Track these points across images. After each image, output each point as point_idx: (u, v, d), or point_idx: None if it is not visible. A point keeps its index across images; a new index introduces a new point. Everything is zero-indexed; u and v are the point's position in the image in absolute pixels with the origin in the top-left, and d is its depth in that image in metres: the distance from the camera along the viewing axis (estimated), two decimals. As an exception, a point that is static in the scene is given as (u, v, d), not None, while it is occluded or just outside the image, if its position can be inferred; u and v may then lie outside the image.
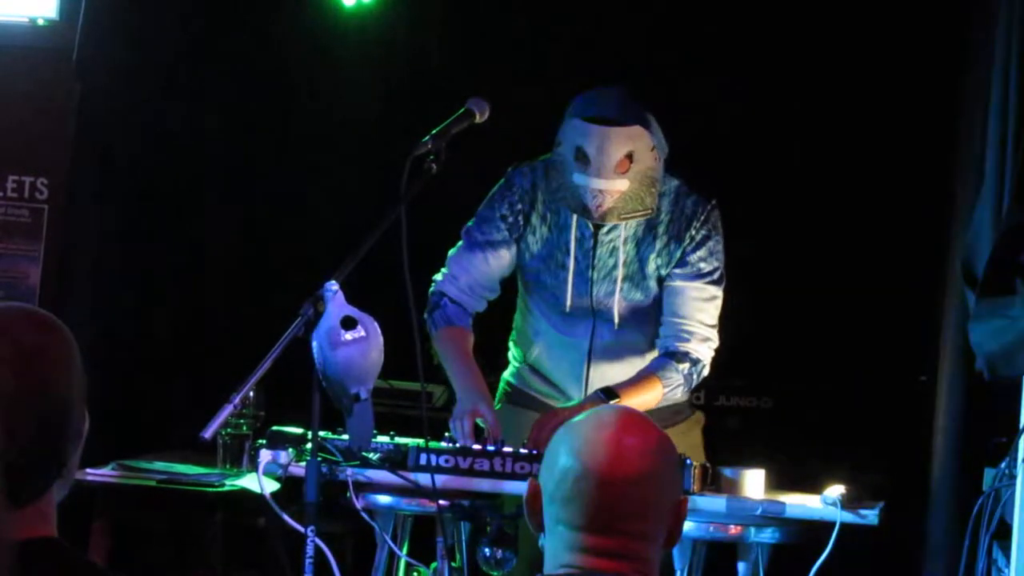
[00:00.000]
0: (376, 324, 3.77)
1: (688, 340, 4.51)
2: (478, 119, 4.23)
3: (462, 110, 4.20)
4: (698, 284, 4.53)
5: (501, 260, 4.64)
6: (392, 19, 6.43)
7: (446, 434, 4.32)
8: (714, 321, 4.55)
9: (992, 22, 4.56)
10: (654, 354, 4.60)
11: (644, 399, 4.40)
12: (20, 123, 6.10)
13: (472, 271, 4.65)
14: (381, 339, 3.75)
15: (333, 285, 3.73)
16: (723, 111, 5.62)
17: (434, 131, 4.05)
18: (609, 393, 4.39)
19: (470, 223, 4.67)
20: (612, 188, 4.35)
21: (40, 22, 6.15)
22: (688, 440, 4.61)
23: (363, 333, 3.71)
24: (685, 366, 4.49)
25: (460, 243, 4.68)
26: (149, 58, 6.07)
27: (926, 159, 5.63)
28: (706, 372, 4.57)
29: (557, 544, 2.38)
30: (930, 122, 5.62)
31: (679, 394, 4.52)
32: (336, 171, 6.36)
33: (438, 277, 4.69)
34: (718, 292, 4.55)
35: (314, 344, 3.67)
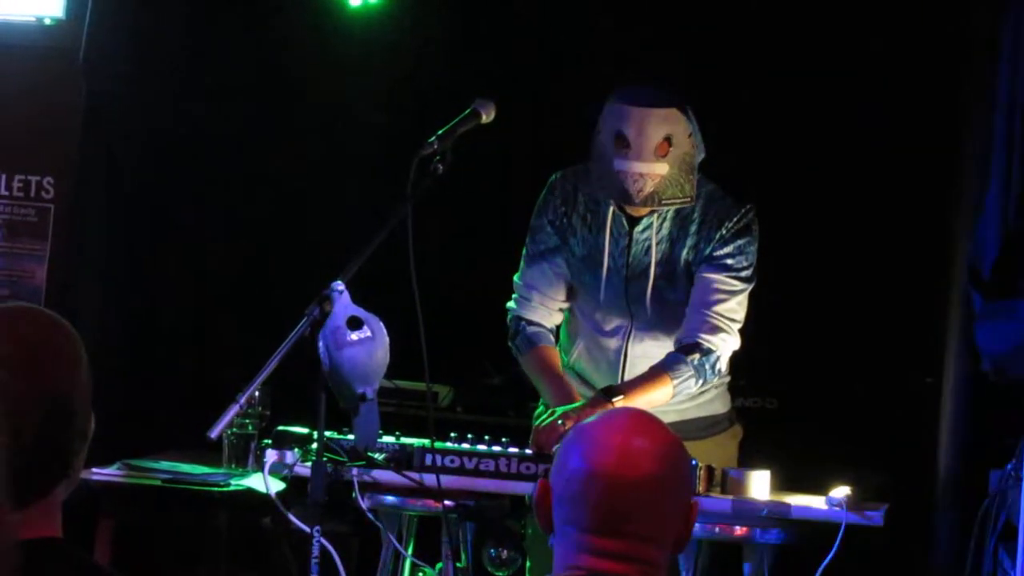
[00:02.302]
0: (382, 324, 3.77)
1: (700, 329, 4.47)
2: (484, 119, 4.23)
3: (468, 110, 4.20)
4: (722, 276, 4.49)
5: (561, 265, 4.65)
6: (397, 19, 6.42)
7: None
8: (735, 316, 4.50)
9: (997, 22, 4.56)
10: None
11: (651, 397, 4.37)
12: (26, 122, 6.11)
13: (538, 285, 4.67)
14: (387, 339, 3.76)
15: (339, 285, 3.74)
16: (723, 112, 5.60)
17: (440, 131, 4.05)
18: (611, 392, 4.38)
19: (527, 240, 4.70)
20: (652, 172, 4.34)
21: (47, 21, 6.16)
22: (723, 453, 4.59)
23: (369, 333, 3.72)
24: (695, 356, 4.45)
25: (521, 263, 4.71)
26: (155, 57, 6.07)
27: (932, 160, 5.62)
28: (722, 365, 4.51)
29: (565, 545, 2.38)
30: (935, 123, 5.62)
31: (692, 386, 4.46)
32: (342, 171, 6.36)
33: (511, 304, 4.71)
34: (744, 287, 4.51)
35: (320, 344, 3.68)
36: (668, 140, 4.35)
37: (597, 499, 2.34)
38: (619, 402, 4.28)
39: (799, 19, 6.00)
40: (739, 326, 4.52)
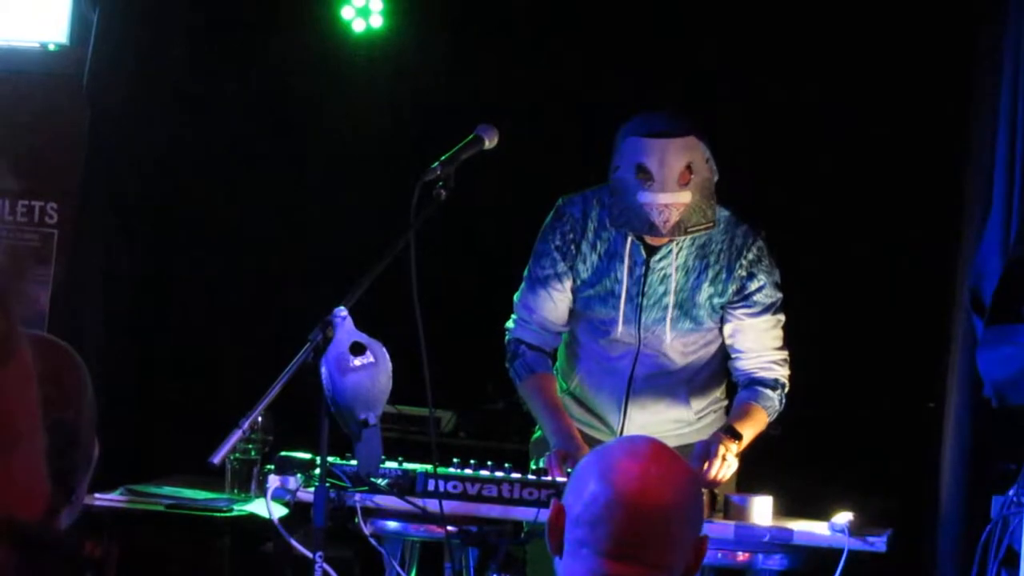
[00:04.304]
0: (385, 350, 3.77)
1: (772, 368, 4.60)
2: (487, 145, 4.22)
3: (471, 136, 4.19)
4: (766, 316, 4.60)
5: (564, 292, 4.65)
6: (401, 45, 6.45)
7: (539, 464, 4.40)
8: (783, 342, 4.63)
9: (999, 51, 4.57)
10: (696, 384, 4.64)
11: (757, 430, 4.53)
12: (30, 148, 6.13)
13: (540, 310, 4.67)
14: (390, 365, 3.76)
15: (342, 311, 3.73)
16: (730, 137, 5.63)
17: (443, 157, 4.04)
18: (733, 432, 4.44)
19: (529, 263, 4.70)
20: (677, 201, 4.36)
21: (51, 47, 6.18)
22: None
23: (372, 359, 3.72)
24: (778, 392, 4.59)
25: (523, 285, 4.71)
26: (159, 83, 6.09)
27: (934, 185, 5.64)
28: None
29: (578, 568, 2.38)
30: (937, 150, 5.63)
31: (773, 419, 4.60)
32: (345, 196, 6.38)
33: (510, 325, 4.73)
34: (783, 317, 4.63)
35: (323, 370, 3.68)
36: (689, 168, 4.37)
37: (618, 523, 2.35)
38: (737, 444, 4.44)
39: (800, 49, 6.02)
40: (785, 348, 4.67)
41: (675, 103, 5.17)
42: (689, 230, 4.42)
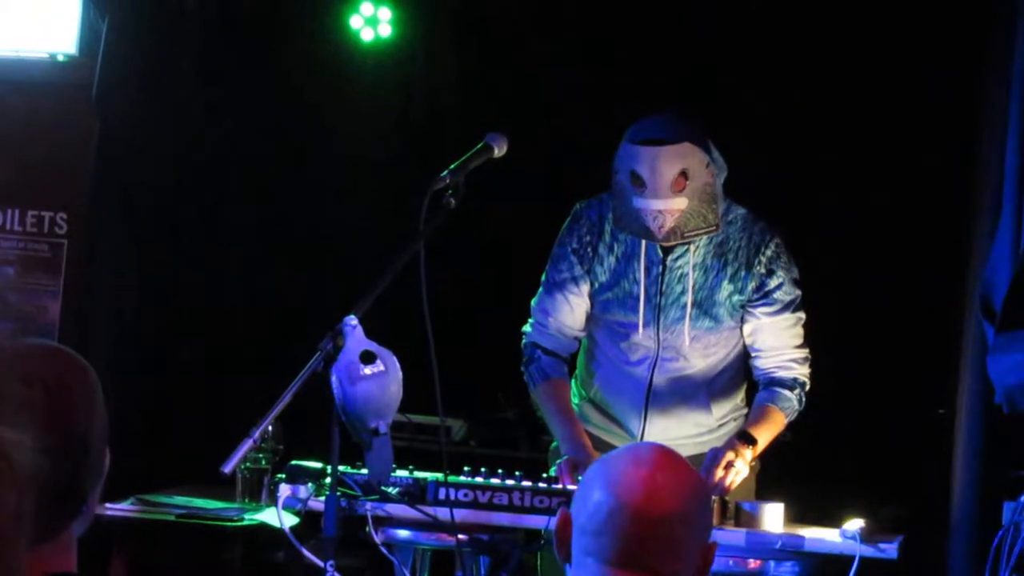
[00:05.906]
0: (395, 358, 3.76)
1: (792, 367, 4.60)
2: (496, 154, 4.22)
3: (480, 145, 4.19)
4: (785, 314, 4.60)
5: (581, 296, 4.66)
6: (409, 54, 6.46)
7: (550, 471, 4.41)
8: (803, 340, 4.64)
9: (1009, 57, 4.56)
10: (716, 387, 4.65)
11: (774, 433, 4.53)
12: (40, 158, 6.13)
13: (556, 314, 4.68)
14: (400, 373, 3.75)
15: (352, 320, 3.73)
16: (737, 146, 5.62)
17: (452, 166, 4.04)
18: (747, 437, 4.43)
19: (547, 267, 4.70)
20: (671, 207, 4.37)
21: (60, 58, 6.18)
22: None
23: (382, 367, 3.71)
24: (797, 391, 4.59)
25: (540, 289, 4.71)
26: (168, 93, 6.09)
27: (944, 191, 5.63)
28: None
29: (584, 576, 2.39)
30: (947, 155, 5.62)
31: (793, 418, 4.60)
32: (354, 205, 6.38)
33: (527, 328, 4.73)
34: (803, 315, 4.63)
35: (333, 379, 3.67)
36: (684, 174, 4.36)
37: (621, 532, 2.35)
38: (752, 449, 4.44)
39: (811, 53, 6.02)
40: (806, 345, 4.66)
41: (684, 104, 5.17)
42: (687, 235, 4.43)
